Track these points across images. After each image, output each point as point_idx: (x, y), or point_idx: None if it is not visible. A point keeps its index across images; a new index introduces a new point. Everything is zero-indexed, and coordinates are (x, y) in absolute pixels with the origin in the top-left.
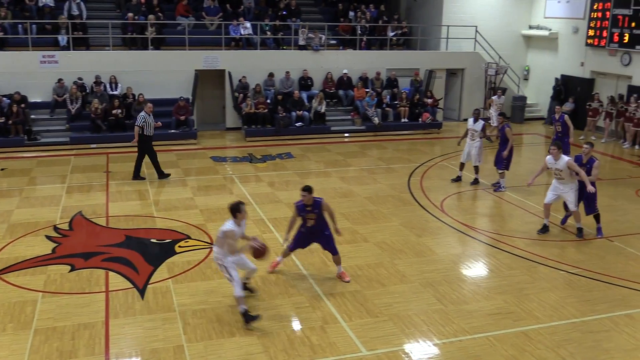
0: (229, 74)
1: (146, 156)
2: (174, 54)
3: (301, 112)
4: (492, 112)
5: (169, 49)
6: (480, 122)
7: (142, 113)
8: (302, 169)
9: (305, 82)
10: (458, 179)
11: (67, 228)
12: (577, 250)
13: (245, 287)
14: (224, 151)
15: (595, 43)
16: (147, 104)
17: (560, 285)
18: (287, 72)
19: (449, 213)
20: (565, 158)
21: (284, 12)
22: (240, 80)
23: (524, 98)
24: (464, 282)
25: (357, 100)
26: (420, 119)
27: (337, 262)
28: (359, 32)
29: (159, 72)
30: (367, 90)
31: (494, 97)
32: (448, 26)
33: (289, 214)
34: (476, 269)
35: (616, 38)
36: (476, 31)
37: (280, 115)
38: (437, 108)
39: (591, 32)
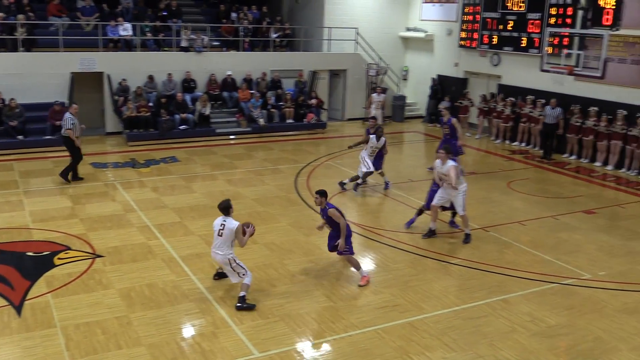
0: (108, 76)
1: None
2: (47, 55)
3: (185, 114)
4: (373, 111)
5: (41, 50)
6: (383, 139)
7: (68, 115)
8: (187, 173)
9: (188, 84)
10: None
11: None
12: (456, 242)
13: (222, 274)
14: (104, 157)
15: (468, 45)
16: (72, 105)
17: (442, 275)
18: (170, 74)
19: None
20: (450, 163)
21: (165, 13)
22: (120, 83)
23: (403, 97)
24: (353, 279)
25: (241, 101)
26: (305, 120)
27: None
28: (242, 33)
29: (31, 75)
30: (252, 91)
31: (373, 95)
32: (330, 28)
33: (175, 219)
34: (364, 265)
35: (486, 40)
36: (357, 33)
37: (164, 118)
38: (322, 109)
39: (463, 34)
